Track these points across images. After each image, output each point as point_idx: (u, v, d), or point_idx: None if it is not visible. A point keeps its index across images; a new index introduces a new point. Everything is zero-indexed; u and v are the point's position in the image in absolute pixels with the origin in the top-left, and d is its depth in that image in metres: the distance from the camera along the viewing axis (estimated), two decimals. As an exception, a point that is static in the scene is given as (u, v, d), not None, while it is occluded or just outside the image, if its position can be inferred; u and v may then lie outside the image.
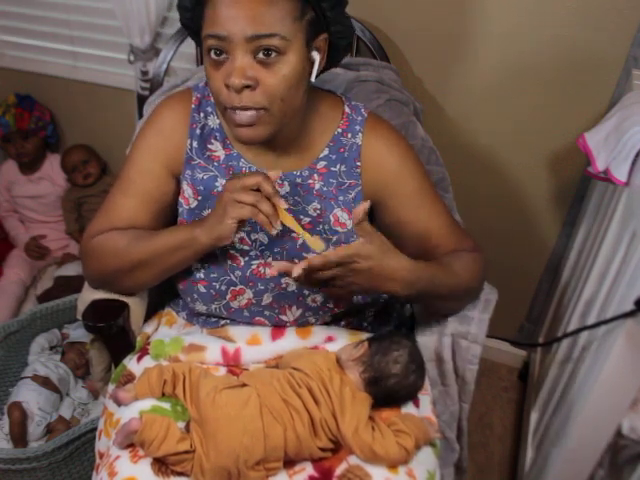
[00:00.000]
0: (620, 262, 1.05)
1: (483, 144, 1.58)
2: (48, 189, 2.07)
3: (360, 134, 1.00)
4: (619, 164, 1.06)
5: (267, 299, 1.00)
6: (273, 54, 0.82)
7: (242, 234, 0.98)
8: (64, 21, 1.86)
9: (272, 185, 0.84)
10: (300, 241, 0.98)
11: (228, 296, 1.00)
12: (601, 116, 1.35)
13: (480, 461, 1.60)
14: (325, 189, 0.99)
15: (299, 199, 0.98)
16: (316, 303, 1.00)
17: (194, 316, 1.08)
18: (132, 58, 1.73)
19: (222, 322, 1.05)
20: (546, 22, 1.37)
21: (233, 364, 1.01)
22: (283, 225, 0.86)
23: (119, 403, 0.94)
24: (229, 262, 0.98)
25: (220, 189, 0.99)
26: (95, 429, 1.10)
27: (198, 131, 1.00)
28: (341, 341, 1.01)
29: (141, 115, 1.49)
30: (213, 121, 1.00)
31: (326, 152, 1.00)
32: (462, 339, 1.04)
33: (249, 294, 1.00)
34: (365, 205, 0.82)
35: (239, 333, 1.03)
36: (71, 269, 1.97)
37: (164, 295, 1.14)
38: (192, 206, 1.00)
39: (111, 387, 1.03)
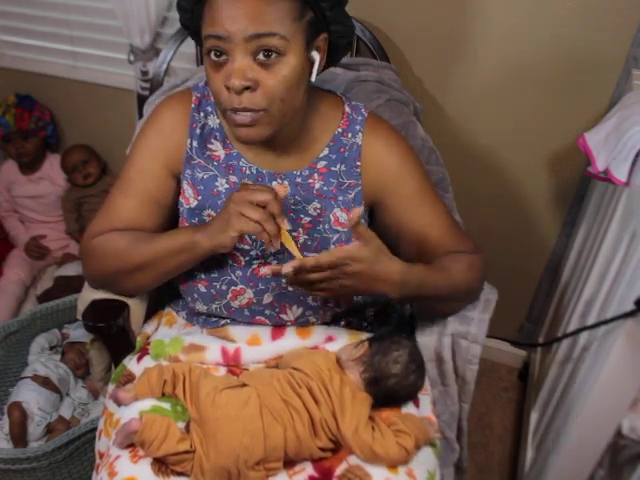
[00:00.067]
0: (620, 262, 1.05)
1: (483, 144, 1.58)
2: (48, 189, 2.06)
3: (360, 134, 1.00)
4: (619, 164, 1.06)
5: (268, 298, 1.00)
6: (273, 55, 0.81)
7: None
8: (64, 21, 1.86)
9: (279, 205, 0.84)
10: (301, 241, 0.98)
11: (229, 296, 1.00)
12: (601, 116, 1.35)
13: (480, 461, 1.60)
14: (325, 189, 0.99)
15: (299, 198, 0.98)
16: (317, 302, 1.00)
17: (194, 316, 1.08)
18: (132, 58, 1.73)
19: (222, 322, 1.05)
20: (546, 22, 1.37)
21: (233, 364, 1.01)
22: (281, 244, 0.86)
23: (119, 403, 0.94)
24: (230, 262, 0.98)
25: (220, 189, 0.99)
26: (95, 429, 1.10)
27: (198, 131, 0.99)
28: (341, 341, 1.01)
29: (141, 115, 1.49)
30: (213, 121, 1.00)
31: (326, 152, 1.00)
32: (462, 339, 1.04)
33: (250, 294, 1.00)
34: (358, 211, 0.81)
35: (239, 333, 1.03)
36: (71, 269, 1.97)
37: (164, 295, 1.14)
38: (192, 206, 1.00)
39: (111, 387, 1.03)
